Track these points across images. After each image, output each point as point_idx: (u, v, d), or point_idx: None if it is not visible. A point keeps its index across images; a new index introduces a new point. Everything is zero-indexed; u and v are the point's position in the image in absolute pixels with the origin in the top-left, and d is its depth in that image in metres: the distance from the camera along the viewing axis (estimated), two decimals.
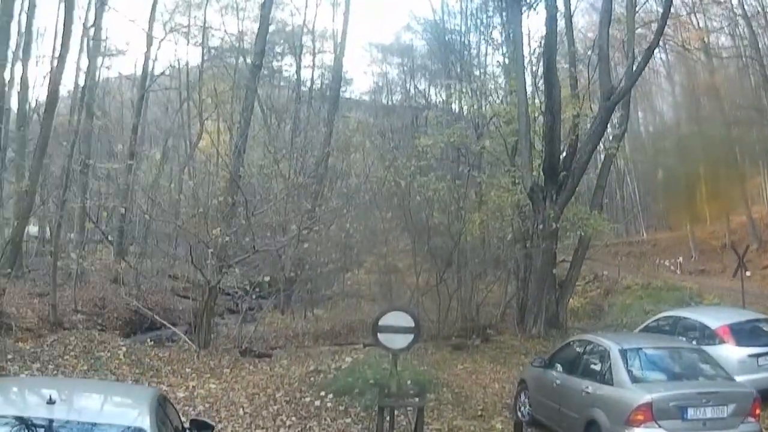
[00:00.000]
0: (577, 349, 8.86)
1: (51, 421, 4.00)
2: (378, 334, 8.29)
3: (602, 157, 21.48)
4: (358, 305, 21.23)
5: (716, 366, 7.94)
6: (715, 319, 11.03)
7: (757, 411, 7.37)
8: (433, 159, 19.43)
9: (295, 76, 36.55)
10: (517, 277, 18.42)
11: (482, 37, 27.24)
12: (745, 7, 30.21)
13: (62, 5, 18.45)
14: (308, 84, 37.11)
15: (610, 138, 20.88)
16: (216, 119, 33.99)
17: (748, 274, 21.45)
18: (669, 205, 40.11)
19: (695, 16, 33.36)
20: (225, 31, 35.40)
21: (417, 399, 8.12)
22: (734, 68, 34.14)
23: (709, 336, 10.57)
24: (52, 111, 15.39)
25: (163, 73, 27.01)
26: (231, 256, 13.85)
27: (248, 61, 32.82)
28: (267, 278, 14.69)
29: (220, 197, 13.85)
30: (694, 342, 10.13)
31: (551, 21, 15.39)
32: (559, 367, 8.81)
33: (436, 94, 38.27)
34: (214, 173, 17.49)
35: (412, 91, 37.15)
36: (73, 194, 21.08)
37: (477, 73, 27.65)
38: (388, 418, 8.45)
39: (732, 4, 30.60)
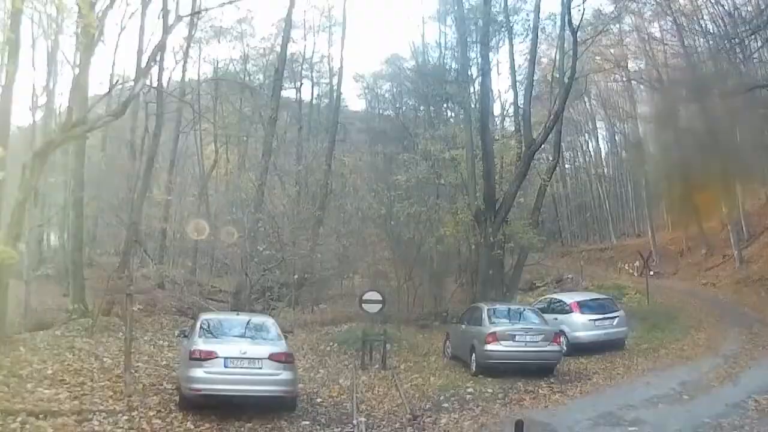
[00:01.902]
0: (472, 311, 16.90)
1: (245, 320, 12.07)
2: (362, 304, 16.65)
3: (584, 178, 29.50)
4: (352, 302, 29.13)
5: (541, 317, 15.97)
6: (570, 298, 19.19)
7: (559, 340, 15.35)
8: (410, 188, 27.38)
9: (297, 96, 44.50)
10: (472, 278, 26.41)
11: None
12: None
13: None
14: (308, 109, 45.24)
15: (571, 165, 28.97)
16: (225, 142, 42.00)
17: (651, 273, 29.68)
18: (637, 215, 48.69)
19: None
20: (233, 66, 43.74)
21: (383, 338, 16.26)
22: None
23: (566, 308, 18.70)
24: (150, 168, 23.23)
25: (197, 115, 34.73)
26: (265, 262, 21.97)
27: (254, 81, 41.13)
28: (296, 276, 22.73)
29: (260, 225, 21.90)
30: (558, 312, 18.29)
31: (485, 93, 23.58)
32: (465, 321, 16.81)
33: (423, 114, 45.92)
34: (245, 204, 25.48)
35: (399, 120, 44.89)
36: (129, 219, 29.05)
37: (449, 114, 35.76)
38: (368, 356, 16.59)
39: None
